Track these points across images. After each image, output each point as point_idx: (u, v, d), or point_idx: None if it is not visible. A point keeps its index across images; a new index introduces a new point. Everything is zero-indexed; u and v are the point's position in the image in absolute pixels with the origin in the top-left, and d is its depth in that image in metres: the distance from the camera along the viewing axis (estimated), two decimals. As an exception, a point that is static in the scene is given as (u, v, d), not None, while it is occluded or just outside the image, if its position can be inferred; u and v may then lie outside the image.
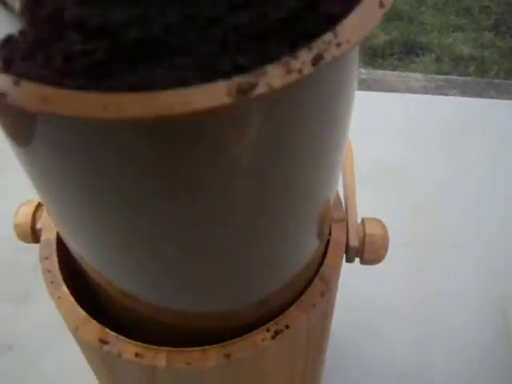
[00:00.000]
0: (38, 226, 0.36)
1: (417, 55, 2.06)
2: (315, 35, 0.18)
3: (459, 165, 0.73)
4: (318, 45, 0.17)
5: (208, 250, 0.24)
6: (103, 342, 0.30)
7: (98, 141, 0.18)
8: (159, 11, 0.17)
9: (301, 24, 0.18)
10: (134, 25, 0.17)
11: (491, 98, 0.83)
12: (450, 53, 2.06)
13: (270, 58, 0.17)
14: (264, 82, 0.16)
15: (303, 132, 0.21)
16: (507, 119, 0.79)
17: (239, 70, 0.17)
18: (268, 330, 0.30)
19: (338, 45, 0.17)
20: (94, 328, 0.31)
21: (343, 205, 0.36)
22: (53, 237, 0.35)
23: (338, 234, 0.34)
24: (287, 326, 0.30)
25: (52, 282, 0.33)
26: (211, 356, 0.29)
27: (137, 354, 0.30)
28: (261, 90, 0.16)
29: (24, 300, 0.60)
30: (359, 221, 0.36)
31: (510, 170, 0.72)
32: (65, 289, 0.32)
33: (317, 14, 0.19)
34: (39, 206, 0.36)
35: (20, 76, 0.17)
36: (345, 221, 0.35)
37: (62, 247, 0.35)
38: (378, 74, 0.90)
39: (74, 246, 0.28)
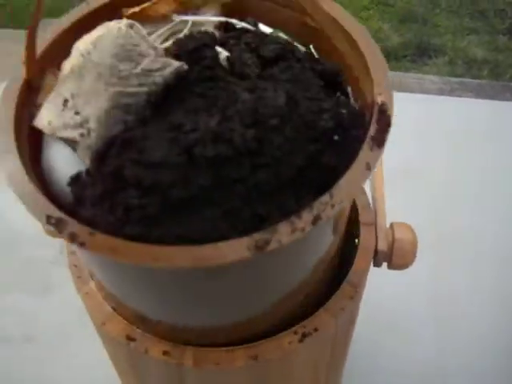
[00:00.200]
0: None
1: (430, 57, 2.04)
2: (318, 183, 0.24)
3: (475, 166, 0.72)
4: (317, 205, 0.22)
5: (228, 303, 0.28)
6: (130, 338, 0.30)
7: (154, 273, 0.24)
8: (196, 174, 0.22)
9: (307, 177, 0.24)
10: (177, 185, 0.22)
11: (507, 100, 0.82)
12: (463, 56, 2.03)
13: (283, 208, 0.23)
14: (276, 239, 0.21)
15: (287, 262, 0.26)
16: None
17: (258, 217, 0.23)
18: (295, 333, 0.30)
19: (333, 206, 0.22)
20: (120, 324, 0.30)
21: (372, 208, 0.35)
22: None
23: (366, 239, 0.34)
24: (316, 329, 0.30)
25: (79, 277, 0.32)
26: (239, 356, 0.29)
27: (164, 352, 0.29)
28: (273, 246, 0.21)
29: (44, 293, 0.59)
30: (388, 225, 0.35)
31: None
32: (92, 284, 0.32)
33: (319, 167, 0.24)
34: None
35: (90, 219, 0.23)
36: (373, 225, 0.34)
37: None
38: (394, 75, 0.88)
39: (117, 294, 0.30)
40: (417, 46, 2.08)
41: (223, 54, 0.26)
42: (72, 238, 0.22)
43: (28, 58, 0.26)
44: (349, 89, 0.27)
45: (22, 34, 0.26)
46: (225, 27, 0.29)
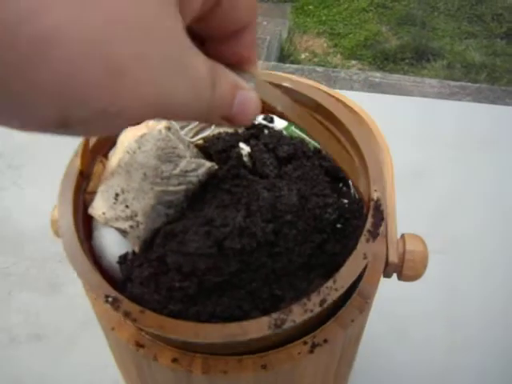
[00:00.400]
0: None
1: (428, 61, 2.06)
2: (324, 266, 0.29)
3: (476, 170, 0.73)
4: (323, 290, 0.27)
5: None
6: (139, 345, 0.30)
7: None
8: (226, 262, 0.27)
9: (315, 262, 0.29)
10: (210, 271, 0.27)
11: (506, 105, 0.84)
12: (461, 59, 2.06)
13: (296, 289, 0.28)
14: (290, 318, 0.26)
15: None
16: None
17: (275, 297, 0.28)
18: (305, 343, 0.30)
19: (336, 290, 0.27)
20: (129, 330, 0.31)
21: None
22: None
23: (377, 250, 0.33)
24: (325, 340, 0.30)
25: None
26: (248, 366, 0.30)
27: (173, 360, 0.30)
28: (288, 324, 0.26)
29: (51, 291, 0.60)
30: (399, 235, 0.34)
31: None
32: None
33: (325, 254, 0.29)
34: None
35: (139, 296, 0.28)
36: (384, 236, 0.33)
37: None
38: (393, 77, 0.90)
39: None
40: (415, 49, 2.11)
41: (245, 150, 0.32)
42: (126, 315, 0.27)
43: (83, 153, 0.32)
44: (350, 181, 0.32)
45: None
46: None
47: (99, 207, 0.30)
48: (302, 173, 0.30)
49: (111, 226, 0.30)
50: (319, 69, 0.92)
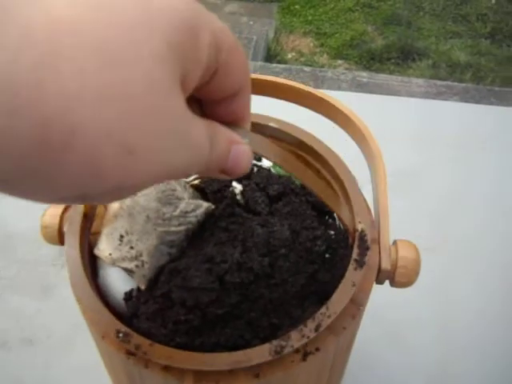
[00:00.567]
0: (65, 228, 0.35)
1: (414, 60, 2.09)
2: (317, 294, 0.32)
3: (469, 170, 0.74)
4: (318, 316, 0.30)
5: None
6: (130, 353, 0.30)
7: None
8: (227, 295, 0.30)
9: (308, 291, 0.31)
10: (213, 304, 0.30)
11: (491, 104, 0.84)
12: (446, 59, 2.09)
13: (291, 317, 0.31)
14: (289, 344, 0.29)
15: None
16: (505, 125, 0.80)
17: (273, 326, 0.30)
18: (298, 352, 0.30)
19: (329, 316, 0.30)
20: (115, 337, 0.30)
21: (376, 224, 0.35)
22: (72, 231, 0.34)
23: (370, 257, 0.33)
24: (317, 349, 0.30)
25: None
26: (240, 375, 0.30)
27: (164, 368, 0.30)
28: (287, 350, 0.29)
29: (44, 294, 0.59)
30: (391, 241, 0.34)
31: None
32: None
33: (317, 282, 0.32)
34: (68, 207, 0.35)
35: (147, 330, 0.30)
36: (377, 242, 0.33)
37: (90, 252, 0.34)
38: (381, 77, 0.90)
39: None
40: (401, 49, 2.13)
41: (238, 188, 0.34)
42: (137, 348, 0.30)
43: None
44: (335, 214, 0.35)
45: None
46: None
47: (105, 249, 0.33)
48: (292, 209, 0.33)
49: (118, 266, 0.32)
50: (306, 68, 0.93)
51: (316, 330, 0.30)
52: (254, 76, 0.36)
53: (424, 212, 0.68)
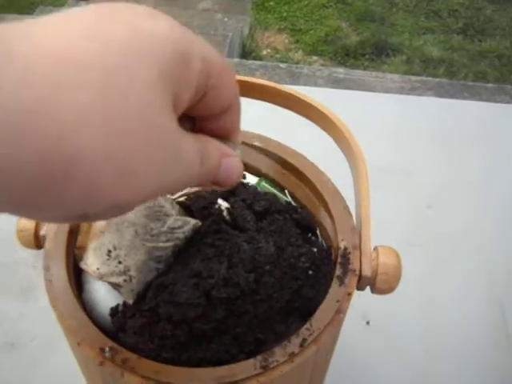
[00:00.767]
0: (42, 232, 0.35)
1: (388, 56, 2.12)
2: (301, 310, 0.32)
3: (453, 165, 0.74)
4: (302, 332, 0.31)
5: None
6: (105, 360, 0.30)
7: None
8: (213, 311, 0.30)
9: (292, 307, 0.32)
10: (199, 319, 0.30)
11: (464, 99, 0.86)
12: (420, 54, 2.12)
13: (276, 332, 0.32)
14: (274, 359, 0.30)
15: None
16: (479, 120, 0.81)
17: (258, 341, 0.31)
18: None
19: (313, 332, 0.31)
20: (96, 345, 0.30)
21: (357, 231, 0.34)
22: (57, 246, 0.34)
23: (351, 264, 0.33)
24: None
25: (54, 296, 0.32)
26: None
27: (142, 378, 0.29)
28: (272, 365, 0.30)
29: (25, 297, 0.58)
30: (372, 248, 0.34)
31: (495, 168, 0.74)
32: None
33: (301, 298, 0.32)
34: None
35: (133, 344, 0.30)
36: (358, 249, 0.33)
37: (68, 257, 0.34)
38: (356, 73, 0.91)
39: None
40: (375, 45, 2.15)
41: (223, 205, 0.35)
42: (124, 362, 0.30)
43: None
44: (317, 231, 0.36)
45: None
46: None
47: (93, 263, 0.33)
48: (277, 226, 0.34)
49: (105, 281, 0.33)
50: (282, 65, 0.94)
51: (301, 345, 0.30)
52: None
53: (404, 209, 0.69)
